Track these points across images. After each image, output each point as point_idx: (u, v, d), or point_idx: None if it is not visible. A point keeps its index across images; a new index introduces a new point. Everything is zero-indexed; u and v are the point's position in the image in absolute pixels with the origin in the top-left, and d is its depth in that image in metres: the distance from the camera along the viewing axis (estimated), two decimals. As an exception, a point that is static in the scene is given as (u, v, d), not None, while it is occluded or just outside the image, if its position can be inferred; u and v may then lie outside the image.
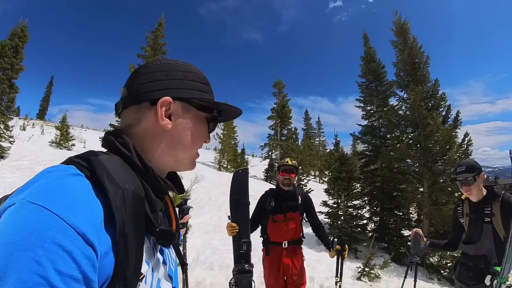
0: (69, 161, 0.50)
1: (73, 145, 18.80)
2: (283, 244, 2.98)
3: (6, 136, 11.99)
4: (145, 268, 0.53)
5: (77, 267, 0.37)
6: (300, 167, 14.11)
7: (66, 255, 0.37)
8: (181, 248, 3.01)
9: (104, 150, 0.60)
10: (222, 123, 30.17)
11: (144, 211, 0.52)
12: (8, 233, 0.36)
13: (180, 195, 4.62)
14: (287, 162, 3.11)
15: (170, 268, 0.69)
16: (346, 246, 2.89)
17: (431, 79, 11.60)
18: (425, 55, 11.72)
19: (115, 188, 0.47)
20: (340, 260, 2.93)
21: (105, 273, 0.43)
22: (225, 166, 28.44)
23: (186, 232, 2.48)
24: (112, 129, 0.65)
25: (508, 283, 1.95)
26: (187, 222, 2.24)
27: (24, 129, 21.09)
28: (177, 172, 0.73)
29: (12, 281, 0.33)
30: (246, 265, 2.14)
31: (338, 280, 2.97)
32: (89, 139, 24.02)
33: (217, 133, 30.02)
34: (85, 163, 0.49)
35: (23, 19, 13.64)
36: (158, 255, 0.62)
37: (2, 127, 11.97)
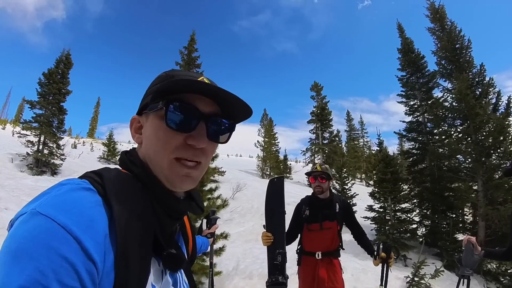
0: (84, 175, 0.51)
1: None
2: (317, 255, 2.74)
3: (58, 154, 13.42)
4: None
5: (79, 279, 0.37)
6: (344, 170, 13.75)
7: (69, 267, 0.37)
8: (207, 258, 2.94)
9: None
10: (263, 131, 31.06)
11: (151, 235, 0.50)
12: (16, 241, 0.38)
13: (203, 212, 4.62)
14: (316, 167, 2.88)
15: None
16: (392, 254, 2.64)
17: (475, 65, 10.67)
18: (465, 39, 10.85)
19: (121, 209, 0.46)
20: (385, 269, 2.67)
21: None
22: (268, 173, 28.46)
23: (213, 242, 2.45)
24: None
25: None
26: (214, 232, 2.16)
27: (75, 147, 23.10)
28: (198, 191, 0.71)
29: None
30: (280, 277, 2.09)
31: None
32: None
33: (258, 141, 30.49)
34: (99, 178, 0.49)
35: (69, 48, 15.42)
36: (168, 277, 0.59)
37: (54, 146, 13.27)
